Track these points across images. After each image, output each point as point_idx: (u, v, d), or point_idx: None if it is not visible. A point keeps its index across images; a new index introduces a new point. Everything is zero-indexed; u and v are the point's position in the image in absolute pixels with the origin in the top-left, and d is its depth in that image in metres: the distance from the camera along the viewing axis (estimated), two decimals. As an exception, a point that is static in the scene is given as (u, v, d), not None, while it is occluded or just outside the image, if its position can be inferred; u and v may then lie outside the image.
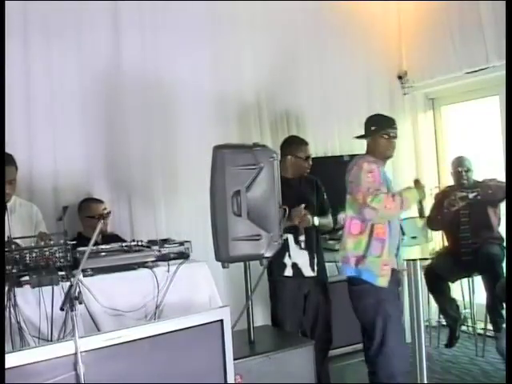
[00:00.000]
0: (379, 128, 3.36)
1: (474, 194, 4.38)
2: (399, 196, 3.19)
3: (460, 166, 4.61)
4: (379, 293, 3.25)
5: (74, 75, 4.12)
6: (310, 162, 3.90)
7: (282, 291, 3.79)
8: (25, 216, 3.44)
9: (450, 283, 4.58)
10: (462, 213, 4.50)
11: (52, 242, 2.81)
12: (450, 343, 4.54)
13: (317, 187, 3.90)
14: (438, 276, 4.46)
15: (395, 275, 3.34)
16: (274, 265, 3.71)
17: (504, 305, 4.17)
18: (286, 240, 3.64)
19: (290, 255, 3.76)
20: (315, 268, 3.79)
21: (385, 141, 3.35)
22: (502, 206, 4.50)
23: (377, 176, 3.20)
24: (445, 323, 4.71)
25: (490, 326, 4.48)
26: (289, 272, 3.76)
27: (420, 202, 3.35)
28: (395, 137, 3.38)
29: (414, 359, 3.88)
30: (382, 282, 3.24)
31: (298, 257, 3.76)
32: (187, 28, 4.49)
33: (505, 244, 4.42)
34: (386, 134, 3.34)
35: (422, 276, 4.10)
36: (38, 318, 2.57)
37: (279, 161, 3.16)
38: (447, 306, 4.54)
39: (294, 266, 3.76)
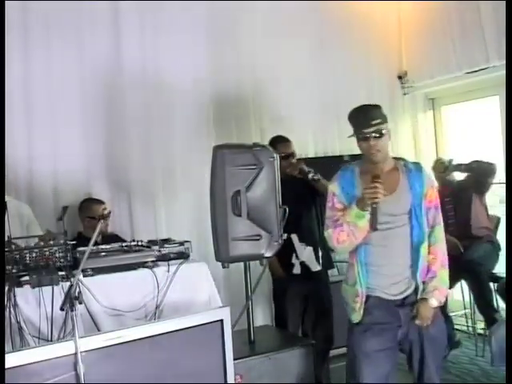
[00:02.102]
0: (354, 128, 2.74)
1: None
2: (346, 222, 2.61)
3: (436, 163, 4.72)
4: (352, 329, 2.74)
5: (74, 75, 4.13)
6: (292, 160, 3.83)
7: (289, 291, 3.80)
8: (14, 216, 3.43)
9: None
10: (448, 207, 4.52)
11: (52, 242, 2.81)
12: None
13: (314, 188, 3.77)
14: None
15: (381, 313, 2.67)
16: (281, 265, 3.74)
17: (493, 302, 4.16)
18: (291, 240, 3.64)
19: (296, 255, 3.77)
20: (320, 261, 3.80)
21: (362, 142, 2.70)
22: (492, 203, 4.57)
23: (334, 200, 2.71)
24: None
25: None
26: (297, 270, 3.78)
27: (373, 213, 2.55)
28: (377, 135, 2.65)
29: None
30: (354, 316, 2.71)
31: (305, 255, 3.77)
32: (187, 28, 4.49)
33: (495, 239, 4.49)
34: (360, 135, 2.69)
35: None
36: (38, 317, 2.57)
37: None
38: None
39: (302, 264, 3.78)
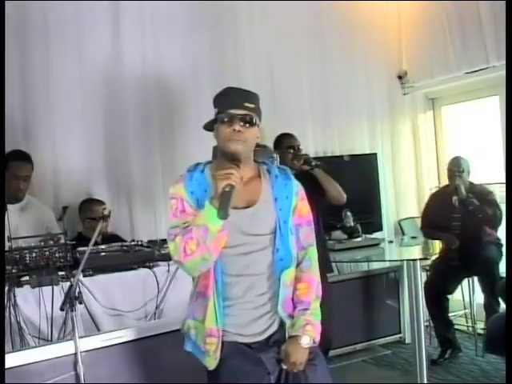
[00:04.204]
0: (219, 107, 2.07)
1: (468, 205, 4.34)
2: (196, 226, 1.92)
3: (455, 166, 4.51)
4: (212, 377, 2.08)
5: (74, 74, 4.12)
6: (299, 153, 3.80)
7: None
8: (33, 218, 3.45)
9: (448, 301, 4.53)
10: (454, 217, 4.46)
11: (52, 242, 2.82)
12: (436, 361, 4.34)
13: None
14: (438, 288, 4.40)
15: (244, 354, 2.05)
16: None
17: (501, 304, 4.18)
18: None
19: None
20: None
21: (223, 127, 2.03)
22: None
23: (184, 204, 2.02)
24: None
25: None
26: None
27: (223, 197, 1.89)
28: (247, 122, 2.02)
29: (414, 359, 3.88)
30: (208, 361, 2.05)
31: None
32: (188, 27, 4.49)
33: (502, 242, 4.43)
34: (225, 116, 2.02)
35: (422, 275, 4.08)
36: (38, 318, 2.58)
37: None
38: (443, 323, 4.49)
39: None
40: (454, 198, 4.39)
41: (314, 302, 2.12)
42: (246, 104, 2.03)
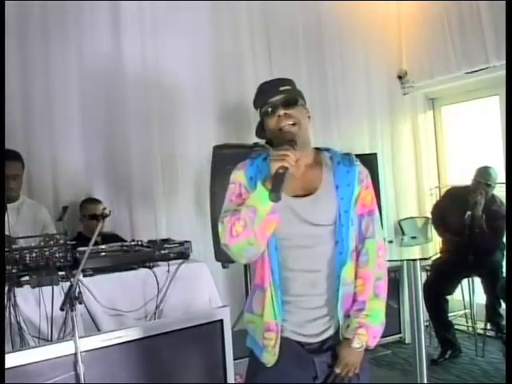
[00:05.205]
0: (259, 104, 2.05)
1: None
2: (245, 208, 1.88)
3: (483, 179, 4.39)
4: (266, 375, 2.00)
5: (73, 74, 4.12)
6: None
7: None
8: (29, 218, 3.45)
9: (448, 302, 4.52)
10: (464, 225, 4.43)
11: (52, 242, 2.82)
12: (436, 361, 4.36)
13: None
14: (438, 290, 4.40)
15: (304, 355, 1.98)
16: None
17: (502, 304, 4.19)
18: None
19: None
20: None
21: (270, 118, 1.99)
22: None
23: (241, 189, 1.99)
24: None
25: (489, 326, 4.49)
26: None
27: (276, 177, 1.81)
28: (288, 104, 1.98)
29: (414, 359, 3.88)
30: (266, 357, 1.98)
31: None
32: (188, 28, 4.48)
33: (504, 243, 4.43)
34: (265, 108, 2.00)
35: (422, 275, 4.08)
36: (38, 318, 2.57)
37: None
38: (442, 324, 4.49)
39: None
40: (468, 213, 4.37)
41: (371, 302, 1.97)
42: (281, 88, 2.01)
